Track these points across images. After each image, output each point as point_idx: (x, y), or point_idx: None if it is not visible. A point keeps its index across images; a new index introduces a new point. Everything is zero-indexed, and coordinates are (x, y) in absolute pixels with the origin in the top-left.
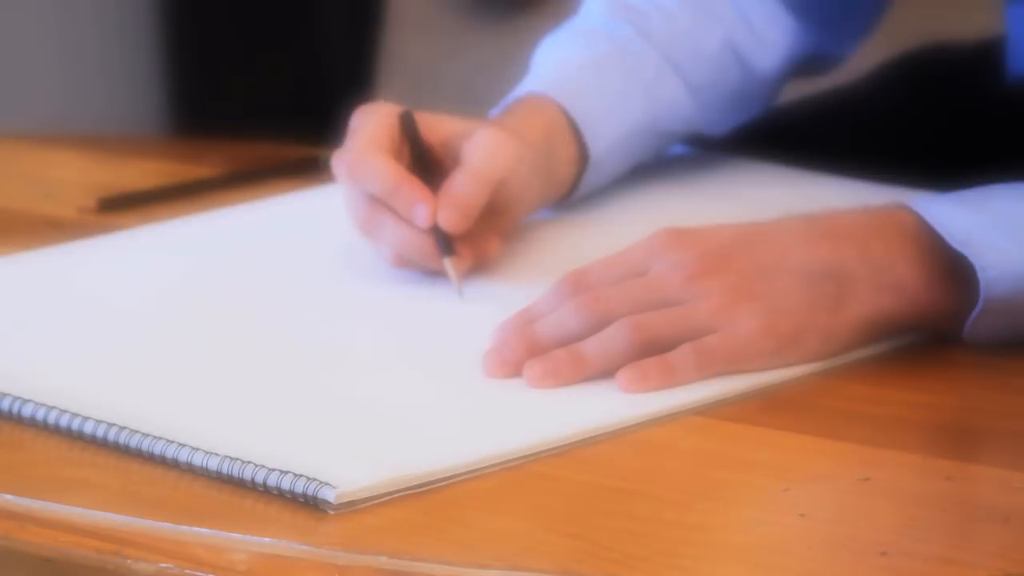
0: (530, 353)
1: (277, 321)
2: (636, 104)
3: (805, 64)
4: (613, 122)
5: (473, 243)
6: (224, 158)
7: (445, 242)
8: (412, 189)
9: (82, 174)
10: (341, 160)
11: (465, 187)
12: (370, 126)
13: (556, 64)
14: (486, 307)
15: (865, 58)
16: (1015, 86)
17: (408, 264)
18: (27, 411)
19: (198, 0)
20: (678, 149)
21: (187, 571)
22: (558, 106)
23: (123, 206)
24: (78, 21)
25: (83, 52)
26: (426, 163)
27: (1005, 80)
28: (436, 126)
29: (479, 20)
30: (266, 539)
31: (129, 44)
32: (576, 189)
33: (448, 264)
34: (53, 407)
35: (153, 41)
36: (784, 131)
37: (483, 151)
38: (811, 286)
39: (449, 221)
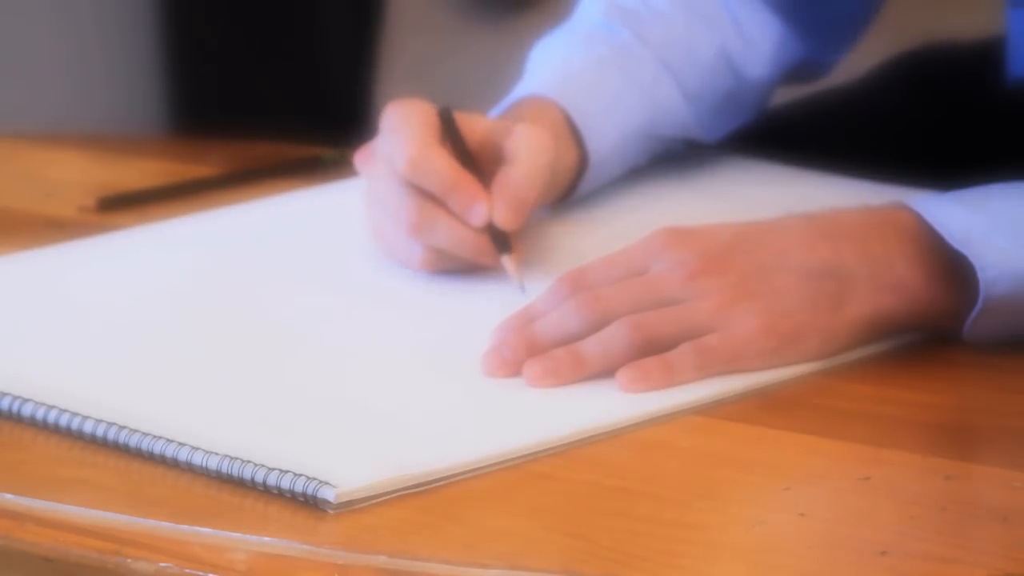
0: (530, 353)
1: (277, 321)
2: (634, 107)
3: (794, 72)
4: (612, 125)
5: None
6: (224, 158)
7: (501, 239)
8: (471, 187)
9: (82, 174)
10: (393, 156)
11: (519, 181)
12: (416, 122)
13: (555, 66)
14: (486, 306)
15: (865, 58)
16: (1015, 87)
17: (439, 266)
18: (27, 411)
19: (198, 0)
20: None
21: (187, 571)
22: (559, 108)
23: (123, 206)
24: (78, 21)
25: (83, 52)
26: (467, 159)
27: (1005, 81)
28: (473, 124)
29: (479, 19)
30: (266, 539)
31: (129, 44)
32: (574, 191)
33: (507, 261)
34: (53, 407)
35: (153, 41)
36: (784, 131)
37: (529, 144)
38: (811, 286)
39: (506, 218)
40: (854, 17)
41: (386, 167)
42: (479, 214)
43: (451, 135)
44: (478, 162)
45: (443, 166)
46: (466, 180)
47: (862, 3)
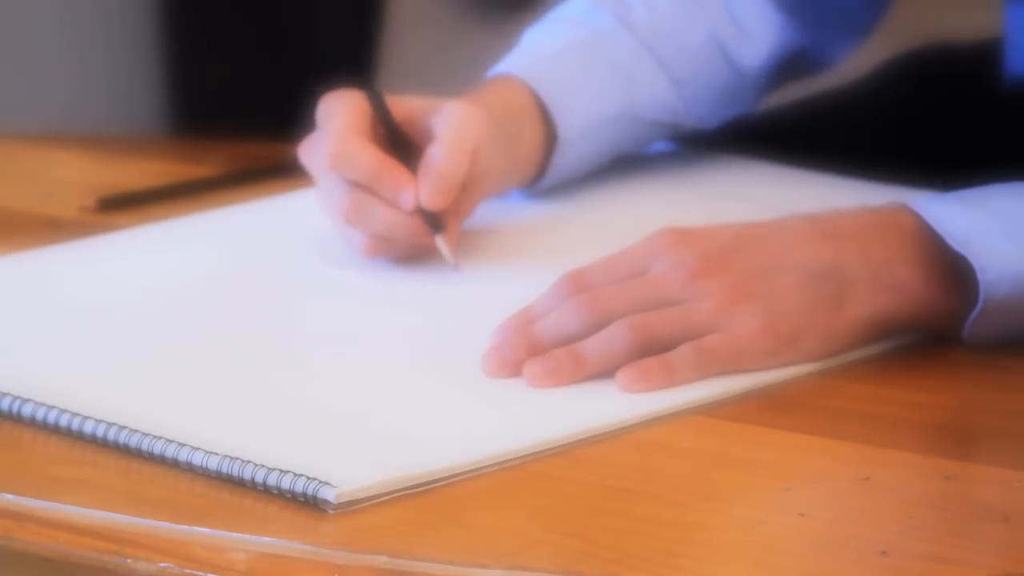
0: (530, 353)
1: (277, 321)
2: (611, 89)
3: (795, 63)
4: (585, 104)
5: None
6: (224, 158)
7: (433, 219)
8: (395, 174)
9: (82, 174)
10: (319, 151)
11: (443, 161)
12: (343, 113)
13: (530, 48)
14: (486, 306)
15: (865, 58)
16: (1014, 86)
17: (382, 252)
18: (27, 411)
19: (199, 1)
20: (674, 147)
21: (187, 571)
22: (526, 86)
23: (123, 206)
24: (79, 21)
25: (84, 52)
26: (398, 141)
27: (1005, 80)
28: (400, 105)
29: (478, 17)
30: (266, 539)
31: (130, 44)
32: (547, 171)
33: (440, 241)
34: (53, 407)
35: (154, 41)
36: (784, 131)
37: (454, 122)
38: (811, 286)
39: (431, 200)
40: (854, 9)
41: (320, 160)
42: (407, 198)
43: (382, 118)
44: (411, 142)
45: (365, 157)
46: (390, 167)
47: None
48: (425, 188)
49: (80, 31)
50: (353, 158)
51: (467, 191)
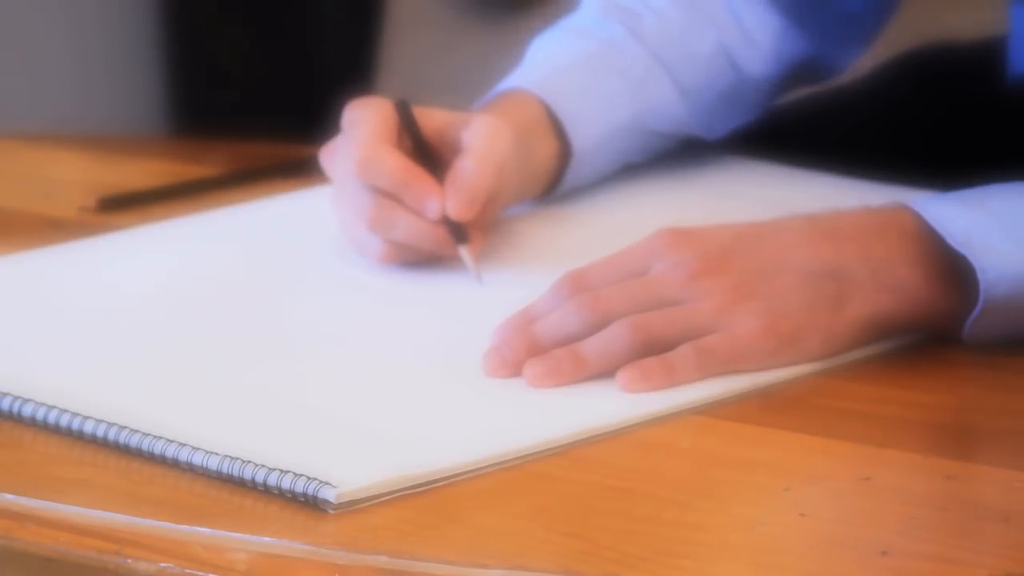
0: (530, 353)
1: (277, 321)
2: (622, 101)
3: (803, 71)
4: (598, 118)
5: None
6: (224, 158)
7: (458, 230)
8: (422, 183)
9: (82, 174)
10: (343, 156)
11: (471, 173)
12: (370, 120)
13: (541, 60)
14: (487, 306)
15: (866, 57)
16: (1016, 86)
17: (398, 259)
18: (27, 411)
19: (199, 1)
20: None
21: (187, 571)
22: (539, 101)
23: (123, 206)
24: (79, 21)
25: (84, 52)
26: (424, 153)
27: (1007, 80)
28: (429, 117)
29: (478, 18)
30: (266, 539)
31: (130, 44)
32: (559, 184)
33: (464, 251)
34: (53, 407)
35: (154, 41)
36: (784, 131)
37: (484, 136)
38: (811, 286)
39: (458, 210)
40: (860, 16)
41: (345, 165)
42: (433, 208)
43: (408, 128)
44: (438, 154)
45: (393, 164)
46: (417, 175)
47: (868, 2)
48: (452, 198)
49: (80, 31)
50: (380, 164)
51: (489, 204)
